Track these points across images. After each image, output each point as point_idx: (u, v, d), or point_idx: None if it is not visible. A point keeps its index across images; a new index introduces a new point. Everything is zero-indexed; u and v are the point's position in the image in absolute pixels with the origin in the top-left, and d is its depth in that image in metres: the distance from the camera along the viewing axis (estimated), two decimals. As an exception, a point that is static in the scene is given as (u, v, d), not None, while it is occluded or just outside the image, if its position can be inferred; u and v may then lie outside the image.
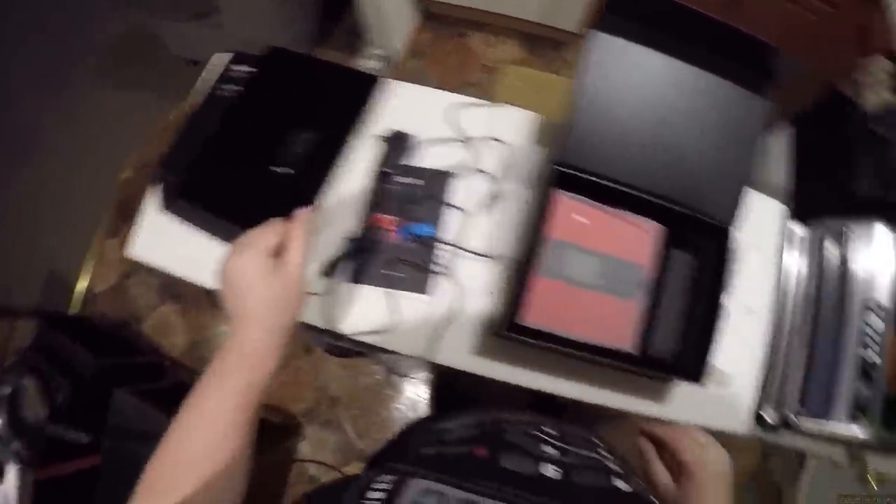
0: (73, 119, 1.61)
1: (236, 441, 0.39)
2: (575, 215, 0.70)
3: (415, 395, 1.53)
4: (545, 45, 1.78)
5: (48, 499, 1.06)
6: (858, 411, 0.71)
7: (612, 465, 0.36)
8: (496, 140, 0.77)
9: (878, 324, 0.73)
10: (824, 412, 0.73)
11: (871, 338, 0.73)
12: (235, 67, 0.85)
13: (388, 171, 0.74)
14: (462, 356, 0.70)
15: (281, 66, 0.83)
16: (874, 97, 1.20)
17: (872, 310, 0.74)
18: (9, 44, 1.57)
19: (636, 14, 0.64)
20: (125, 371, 1.24)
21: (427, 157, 0.77)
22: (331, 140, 0.76)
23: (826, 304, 0.78)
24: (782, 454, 1.54)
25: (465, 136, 0.77)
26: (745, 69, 0.67)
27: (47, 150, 1.58)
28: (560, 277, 0.68)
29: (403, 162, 0.76)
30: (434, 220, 0.74)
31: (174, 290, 1.55)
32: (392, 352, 0.72)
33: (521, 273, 0.64)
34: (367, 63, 1.51)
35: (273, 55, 0.83)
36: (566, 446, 0.38)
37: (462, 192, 0.75)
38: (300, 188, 0.73)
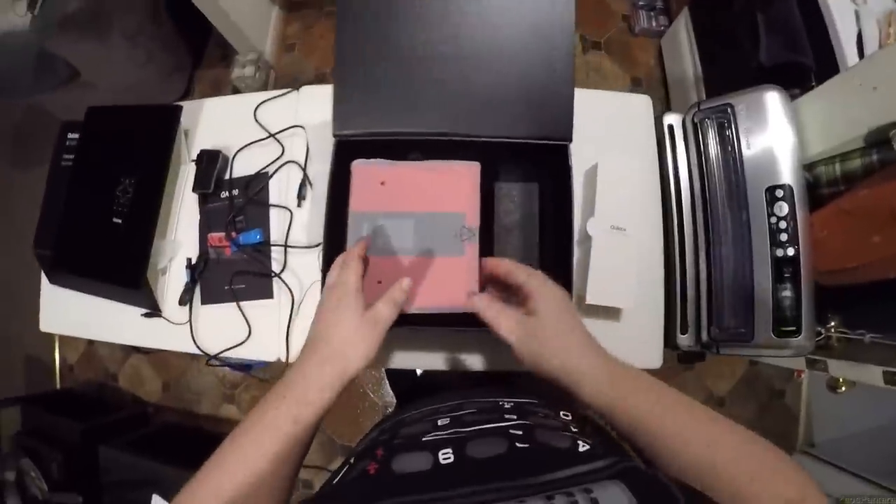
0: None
1: (275, 481, 0.40)
2: (377, 181, 0.64)
3: (375, 379, 1.58)
4: None
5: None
6: (785, 320, 0.63)
7: (513, 430, 0.36)
8: (299, 126, 0.76)
9: (785, 208, 0.63)
10: (745, 329, 0.65)
11: (783, 229, 0.63)
12: (69, 136, 0.88)
13: (205, 191, 0.75)
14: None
15: (98, 124, 0.84)
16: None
17: (777, 197, 0.64)
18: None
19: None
20: (108, 428, 1.34)
21: (242, 165, 0.78)
22: (148, 179, 0.77)
23: (720, 201, 0.69)
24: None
25: (272, 132, 0.77)
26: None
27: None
28: (374, 252, 0.62)
29: (222, 177, 0.77)
30: (260, 224, 0.75)
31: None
32: (258, 361, 0.75)
33: (329, 259, 0.60)
34: (242, 71, 1.49)
35: (89, 115, 0.84)
36: (460, 429, 0.37)
37: (279, 188, 0.76)
38: (132, 232, 0.76)
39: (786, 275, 0.63)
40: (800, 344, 0.62)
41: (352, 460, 0.38)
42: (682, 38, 1.42)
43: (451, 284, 0.61)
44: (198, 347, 0.75)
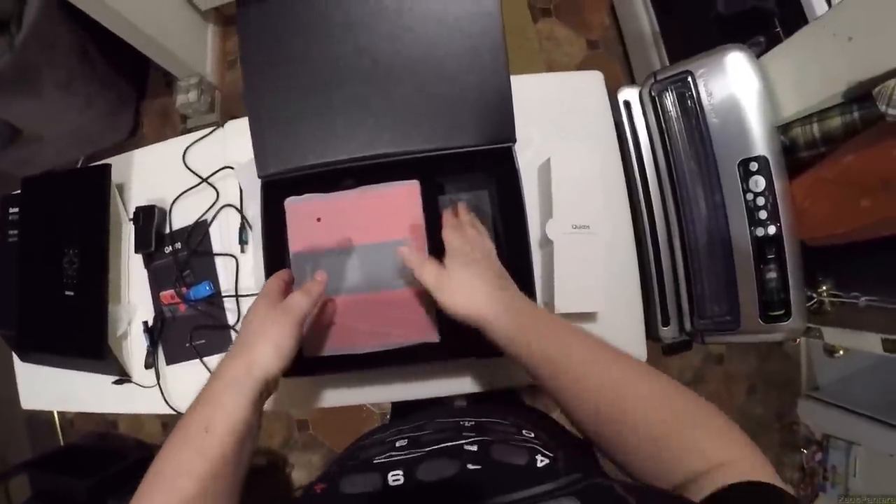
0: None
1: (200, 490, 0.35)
2: (312, 218, 0.59)
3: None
4: None
5: None
6: (773, 304, 0.59)
7: (468, 447, 0.35)
8: (229, 167, 0.71)
9: (761, 182, 0.58)
10: (730, 316, 0.61)
11: (761, 206, 0.58)
12: (10, 210, 0.84)
13: (147, 250, 0.71)
14: (282, 398, 0.68)
15: (35, 195, 0.79)
16: None
17: (752, 170, 0.58)
18: None
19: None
20: (115, 479, 1.32)
21: (180, 216, 0.73)
22: (91, 247, 0.72)
23: (689, 181, 0.63)
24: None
25: (203, 176, 0.72)
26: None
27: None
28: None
29: (162, 231, 0.73)
30: (209, 275, 0.71)
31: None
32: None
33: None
34: (186, 97, 1.42)
35: (25, 186, 0.80)
36: (415, 450, 0.36)
37: (220, 235, 0.71)
38: (85, 303, 0.72)
39: (769, 256, 0.58)
40: (790, 327, 0.58)
41: (307, 485, 0.37)
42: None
43: (404, 320, 0.57)
44: (172, 409, 0.72)
